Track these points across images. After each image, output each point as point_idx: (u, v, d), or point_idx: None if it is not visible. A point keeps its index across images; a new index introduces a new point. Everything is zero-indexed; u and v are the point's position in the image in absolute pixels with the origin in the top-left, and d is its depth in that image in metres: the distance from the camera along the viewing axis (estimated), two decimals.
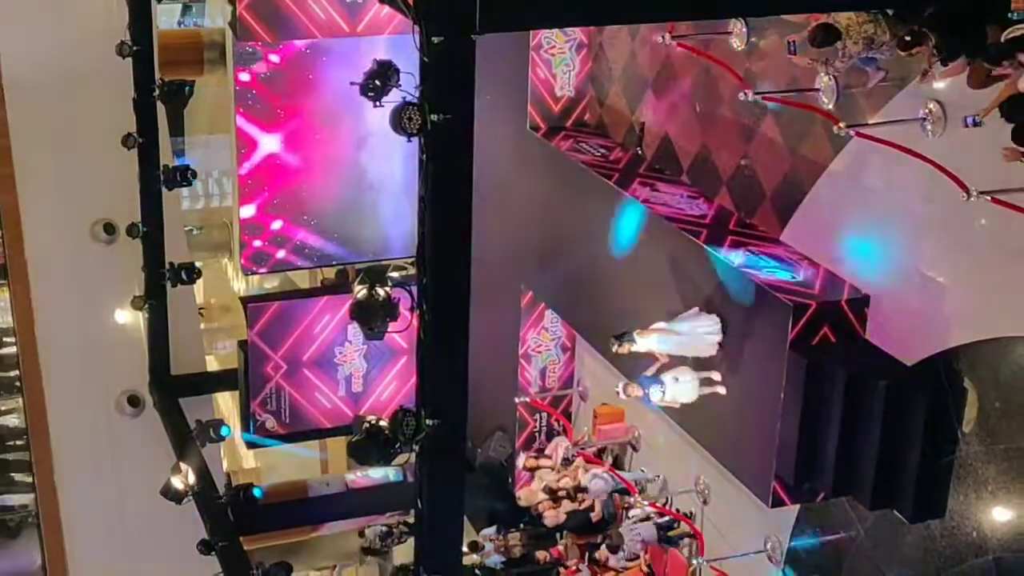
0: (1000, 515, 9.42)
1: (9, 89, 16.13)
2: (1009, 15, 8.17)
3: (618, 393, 11.37)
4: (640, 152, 13.34)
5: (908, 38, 8.73)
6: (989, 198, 8.73)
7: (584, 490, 13.48)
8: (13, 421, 18.71)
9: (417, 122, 7.03)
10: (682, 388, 11.11)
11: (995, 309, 9.32)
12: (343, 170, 15.82)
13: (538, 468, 14.74)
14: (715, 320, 11.12)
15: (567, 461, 14.50)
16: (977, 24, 8.40)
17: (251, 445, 16.57)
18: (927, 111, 9.44)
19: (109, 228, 16.54)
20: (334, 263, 17.27)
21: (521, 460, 14.98)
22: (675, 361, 11.21)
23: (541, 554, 14.38)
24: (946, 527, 9.87)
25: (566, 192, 13.52)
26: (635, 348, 11.06)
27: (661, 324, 11.15)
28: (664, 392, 11.08)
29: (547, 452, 15.00)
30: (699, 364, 11.20)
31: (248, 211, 15.67)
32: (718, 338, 11.08)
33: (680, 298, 11.66)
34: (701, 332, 11.11)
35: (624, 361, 11.90)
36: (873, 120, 9.95)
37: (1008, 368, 9.20)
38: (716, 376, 11.13)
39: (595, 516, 13.98)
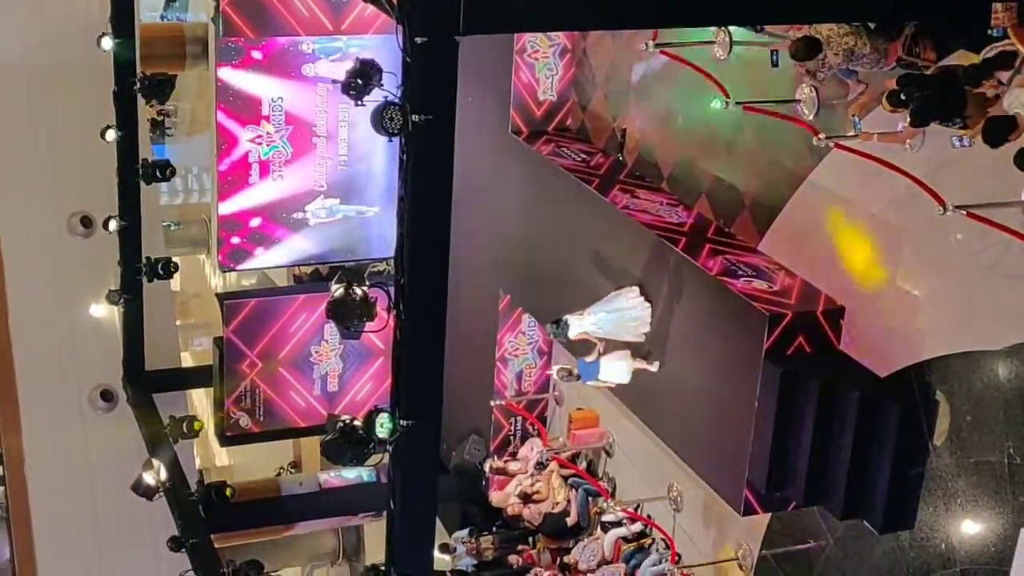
0: (969, 528, 9.47)
1: None
2: (989, 31, 8.24)
3: (551, 375, 11.96)
4: (621, 158, 13.37)
5: (895, 98, 8.73)
6: (965, 213, 8.78)
7: None
8: None
9: (398, 122, 7.02)
10: (616, 368, 11.62)
11: (968, 323, 9.38)
12: (323, 168, 15.80)
13: (505, 471, 14.74)
14: (635, 292, 11.62)
15: (541, 465, 14.52)
16: (957, 97, 8.46)
17: (224, 441, 16.48)
18: (906, 124, 9.48)
19: (86, 221, 16.46)
20: (312, 262, 17.24)
21: (488, 463, 14.98)
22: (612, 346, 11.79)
23: (513, 558, 14.40)
24: (915, 538, 9.92)
25: (546, 196, 13.54)
26: (571, 334, 11.54)
27: (592, 307, 11.66)
28: (599, 372, 11.67)
29: (520, 456, 15.02)
30: (635, 350, 11.70)
31: (227, 207, 15.62)
32: (646, 310, 11.58)
33: (657, 304, 11.70)
34: (627, 306, 11.61)
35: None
36: (856, 135, 9.99)
37: (979, 381, 9.26)
38: (653, 368, 11.60)
39: (571, 520, 14.02)
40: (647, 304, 11.61)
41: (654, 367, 11.63)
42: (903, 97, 8.62)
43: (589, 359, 11.73)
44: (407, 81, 7.02)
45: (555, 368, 12.02)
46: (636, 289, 11.68)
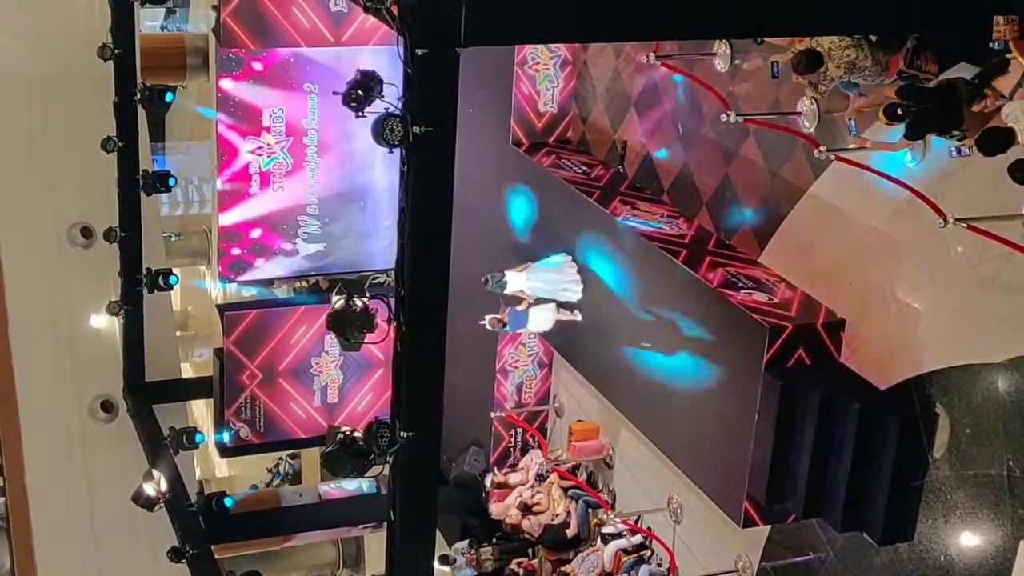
0: (968, 540, 9.46)
1: None
2: (990, 45, 8.24)
3: (484, 324, 12.94)
4: (622, 170, 13.38)
5: (892, 112, 8.72)
6: (965, 226, 8.78)
7: None
8: None
9: (399, 133, 7.03)
10: (542, 317, 12.86)
11: (968, 336, 9.38)
12: (324, 180, 15.82)
13: (507, 485, 14.72)
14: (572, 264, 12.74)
15: (541, 477, 14.50)
16: (954, 111, 8.47)
17: (224, 452, 16.51)
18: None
19: (86, 232, 16.45)
20: (313, 273, 17.23)
21: (490, 478, 14.97)
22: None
23: (513, 568, 14.38)
24: (914, 550, 9.91)
25: (546, 208, 13.54)
26: (508, 289, 12.74)
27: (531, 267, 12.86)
28: (527, 321, 12.93)
29: (520, 466, 15.00)
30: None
31: (227, 218, 15.63)
32: (579, 289, 12.73)
33: (657, 317, 11.70)
34: (565, 279, 12.73)
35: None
36: (853, 145, 10.00)
37: (979, 394, 9.25)
38: (577, 318, 12.82)
39: (570, 532, 14.00)
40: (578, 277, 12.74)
41: (578, 317, 12.71)
42: (899, 112, 8.63)
43: (520, 308, 12.87)
44: (408, 93, 7.04)
45: (487, 317, 13.00)
46: (571, 261, 12.84)
